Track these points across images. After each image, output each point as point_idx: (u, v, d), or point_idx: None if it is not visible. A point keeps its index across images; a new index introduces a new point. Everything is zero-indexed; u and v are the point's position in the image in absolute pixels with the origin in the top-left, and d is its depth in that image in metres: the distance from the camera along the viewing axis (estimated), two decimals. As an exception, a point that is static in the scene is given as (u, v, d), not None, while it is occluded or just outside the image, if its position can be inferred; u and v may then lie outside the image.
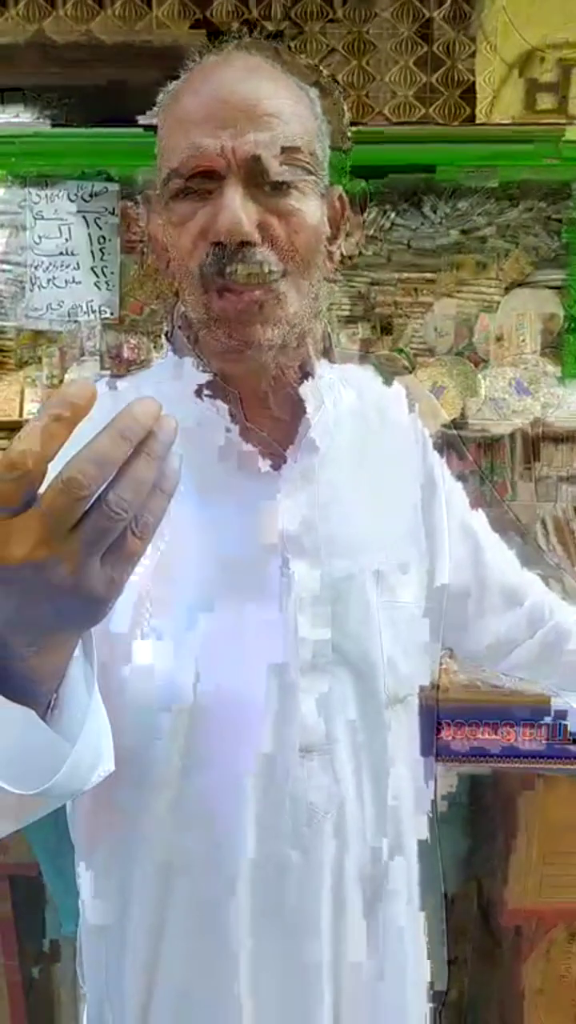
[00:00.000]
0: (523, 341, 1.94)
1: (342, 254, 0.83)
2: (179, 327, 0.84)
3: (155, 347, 2.06)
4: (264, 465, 0.79)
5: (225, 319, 0.73)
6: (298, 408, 0.81)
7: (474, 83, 2.55)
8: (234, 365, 0.76)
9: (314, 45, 2.90)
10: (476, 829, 1.69)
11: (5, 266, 2.10)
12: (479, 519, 1.00)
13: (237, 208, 0.70)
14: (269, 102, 0.72)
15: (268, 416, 0.81)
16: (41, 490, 0.48)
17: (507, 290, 2.00)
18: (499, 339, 2.00)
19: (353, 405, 0.88)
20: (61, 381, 2.07)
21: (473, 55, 2.49)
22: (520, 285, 2.00)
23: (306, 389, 0.81)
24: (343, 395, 0.86)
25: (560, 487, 1.88)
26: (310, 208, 0.75)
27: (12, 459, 0.46)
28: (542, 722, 1.43)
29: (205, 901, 0.80)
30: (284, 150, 0.72)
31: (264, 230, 0.72)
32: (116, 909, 0.83)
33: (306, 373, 0.82)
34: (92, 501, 0.47)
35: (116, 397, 0.83)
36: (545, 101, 2.25)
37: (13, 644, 0.52)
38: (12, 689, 0.54)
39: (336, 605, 0.80)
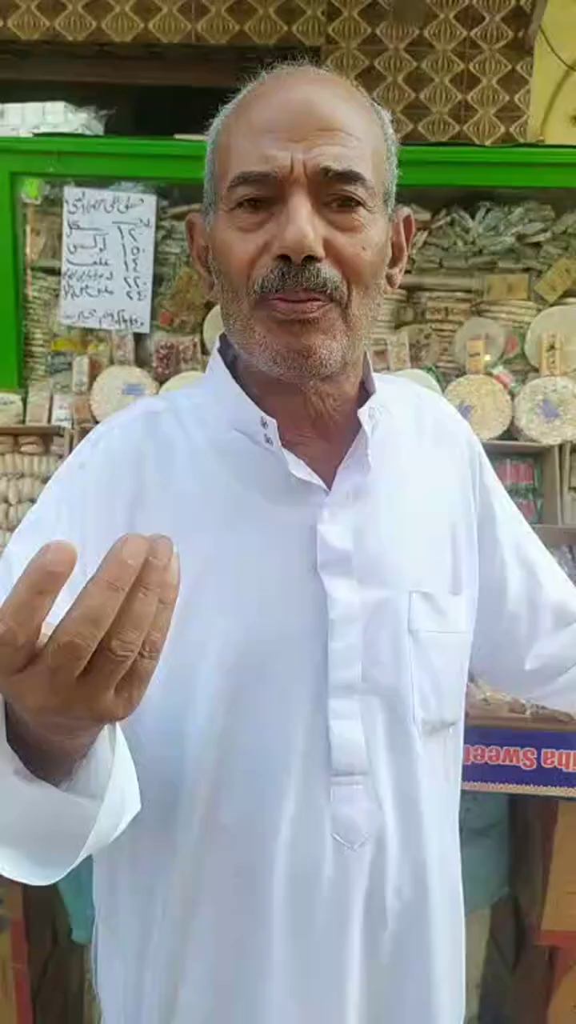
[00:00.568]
0: (553, 363, 1.93)
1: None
2: (219, 351, 0.84)
3: (185, 360, 2.06)
4: (307, 488, 0.78)
5: (288, 322, 0.71)
6: (343, 432, 0.81)
7: (509, 100, 2.55)
8: (292, 370, 0.74)
9: (350, 61, 2.92)
10: (513, 850, 1.67)
11: (39, 274, 2.12)
12: (531, 538, 0.98)
13: (304, 222, 0.69)
14: (343, 118, 0.71)
15: (311, 440, 0.81)
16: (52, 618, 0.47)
17: (539, 310, 1.98)
18: (530, 359, 1.99)
19: (398, 428, 0.86)
20: (91, 384, 2.08)
21: (510, 73, 2.49)
22: (553, 304, 1.99)
23: (350, 412, 0.81)
24: (387, 418, 0.85)
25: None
26: (376, 228, 0.73)
27: (2, 636, 0.46)
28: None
29: (229, 930, 0.78)
30: (354, 167, 0.70)
31: (329, 246, 0.71)
32: (137, 932, 0.82)
33: (352, 396, 0.82)
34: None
35: (154, 421, 0.83)
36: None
37: (48, 737, 0.54)
38: (44, 759, 0.56)
39: (370, 629, 0.78)
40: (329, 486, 0.79)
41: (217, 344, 0.85)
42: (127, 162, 2.05)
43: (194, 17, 2.76)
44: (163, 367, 2.04)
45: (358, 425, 0.80)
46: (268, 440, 0.77)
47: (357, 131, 0.71)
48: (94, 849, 0.59)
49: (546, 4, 2.47)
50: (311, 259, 0.70)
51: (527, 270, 1.99)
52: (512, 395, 1.94)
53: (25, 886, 1.70)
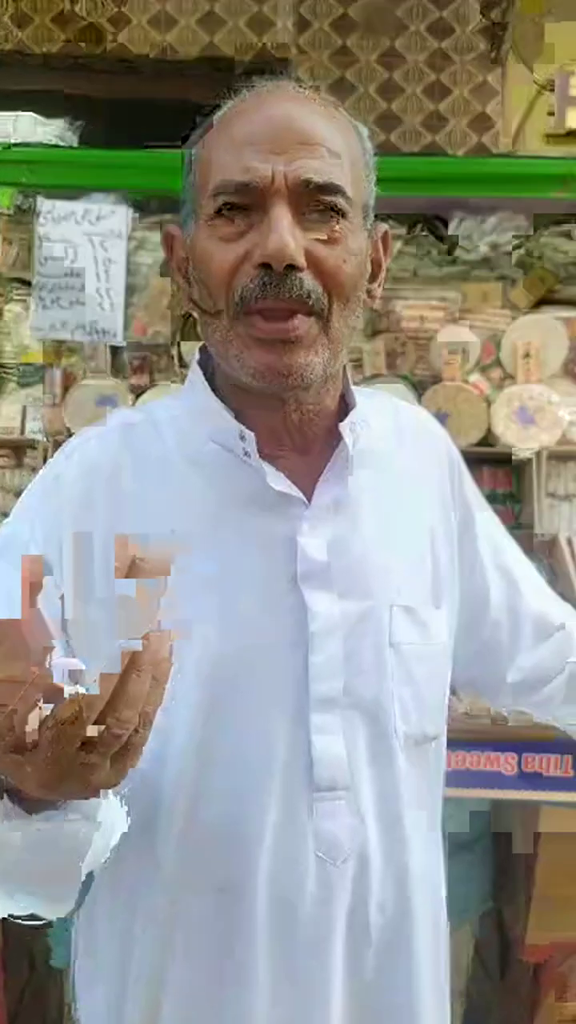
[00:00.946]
0: (529, 370, 1.94)
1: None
2: (199, 363, 0.84)
3: (159, 370, 2.05)
4: (287, 501, 0.78)
5: (269, 341, 0.72)
6: (322, 445, 0.81)
7: (481, 112, 2.57)
8: (272, 387, 0.74)
9: (321, 72, 2.93)
10: (497, 863, 1.67)
11: (10, 285, 2.10)
12: (512, 546, 0.98)
13: (285, 231, 0.69)
14: (323, 133, 0.72)
15: (290, 453, 0.80)
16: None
17: (514, 318, 2.00)
18: (505, 367, 2.00)
19: (377, 440, 0.85)
20: (64, 396, 2.06)
21: (482, 85, 2.52)
22: (527, 313, 2.00)
23: (330, 426, 0.81)
24: (367, 431, 0.84)
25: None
26: (356, 241, 0.74)
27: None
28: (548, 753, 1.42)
29: (211, 945, 0.77)
30: (333, 179, 0.71)
31: (310, 257, 0.71)
32: (117, 953, 0.80)
33: (332, 410, 0.81)
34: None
35: (131, 432, 0.83)
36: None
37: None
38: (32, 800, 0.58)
39: (351, 642, 0.78)
40: (308, 499, 0.79)
41: (196, 356, 0.85)
42: (99, 173, 2.05)
43: (163, 28, 2.76)
44: (138, 378, 2.03)
45: (338, 438, 0.80)
46: (247, 453, 0.77)
47: (336, 146, 0.73)
48: (92, 867, 0.61)
49: (516, 20, 2.51)
50: (293, 268, 0.70)
51: (501, 278, 2.01)
52: (488, 403, 1.95)
53: None
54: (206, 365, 0.83)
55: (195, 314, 0.79)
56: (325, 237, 0.72)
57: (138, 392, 2.02)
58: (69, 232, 2.03)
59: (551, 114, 2.38)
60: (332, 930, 0.77)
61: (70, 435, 2.03)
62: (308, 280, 0.71)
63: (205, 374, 0.83)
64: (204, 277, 0.74)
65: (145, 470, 0.79)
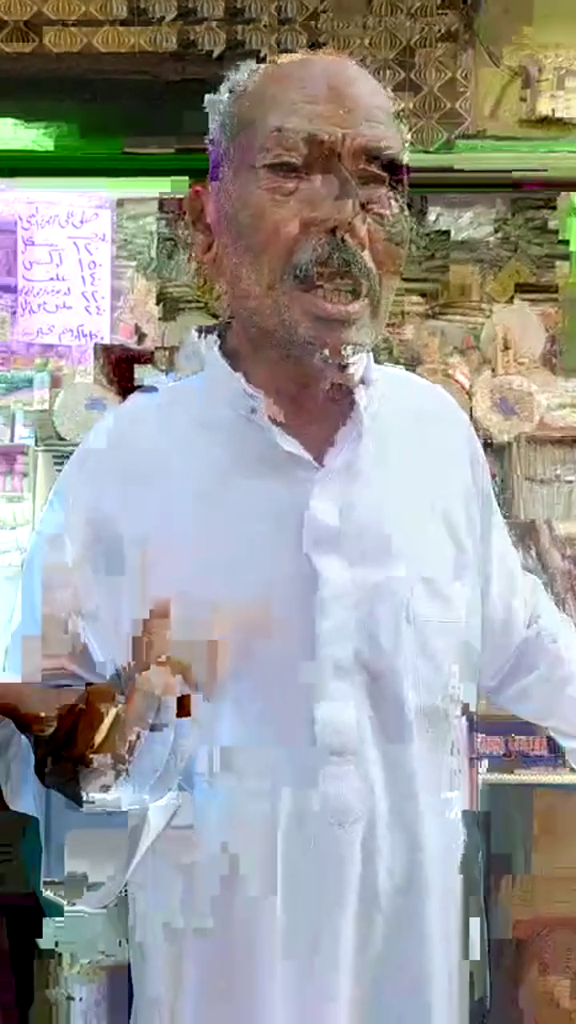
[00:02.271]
0: (508, 361, 1.97)
1: None
2: (209, 331, 0.83)
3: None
4: (297, 464, 0.77)
5: (326, 320, 0.70)
6: (336, 408, 0.79)
7: (451, 108, 2.58)
8: (312, 359, 0.72)
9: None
10: (490, 841, 1.68)
11: (-6, 292, 2.11)
12: (512, 549, 0.96)
13: (354, 198, 0.68)
14: (379, 100, 0.72)
15: (302, 416, 0.78)
16: None
17: (492, 308, 2.03)
18: (483, 352, 2.03)
19: (395, 409, 0.83)
20: (53, 401, 2.07)
21: (451, 82, 2.53)
22: (506, 304, 2.04)
23: (345, 389, 0.78)
24: (382, 398, 0.81)
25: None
26: (401, 215, 0.73)
27: None
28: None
29: (220, 913, 0.77)
30: (387, 150, 0.71)
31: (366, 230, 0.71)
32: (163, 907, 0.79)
33: (350, 372, 0.78)
34: None
35: (142, 410, 0.83)
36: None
37: None
38: None
39: (363, 610, 0.77)
40: (320, 463, 0.78)
41: (193, 327, 0.85)
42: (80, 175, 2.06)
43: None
44: (125, 380, 2.05)
45: (351, 402, 0.78)
46: (253, 411, 0.76)
47: (388, 117, 0.72)
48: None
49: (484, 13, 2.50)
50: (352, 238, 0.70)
51: (480, 267, 2.03)
52: (470, 395, 1.98)
53: (8, 914, 1.65)
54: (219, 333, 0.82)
55: (207, 267, 0.78)
56: (375, 208, 0.70)
57: (127, 394, 2.04)
58: (53, 236, 2.05)
59: (523, 99, 2.38)
60: (343, 895, 0.77)
61: (60, 439, 2.06)
62: (368, 260, 0.70)
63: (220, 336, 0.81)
64: (250, 231, 0.72)
65: (162, 439, 0.80)
